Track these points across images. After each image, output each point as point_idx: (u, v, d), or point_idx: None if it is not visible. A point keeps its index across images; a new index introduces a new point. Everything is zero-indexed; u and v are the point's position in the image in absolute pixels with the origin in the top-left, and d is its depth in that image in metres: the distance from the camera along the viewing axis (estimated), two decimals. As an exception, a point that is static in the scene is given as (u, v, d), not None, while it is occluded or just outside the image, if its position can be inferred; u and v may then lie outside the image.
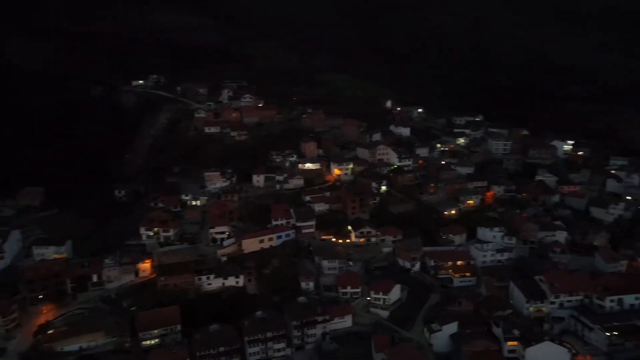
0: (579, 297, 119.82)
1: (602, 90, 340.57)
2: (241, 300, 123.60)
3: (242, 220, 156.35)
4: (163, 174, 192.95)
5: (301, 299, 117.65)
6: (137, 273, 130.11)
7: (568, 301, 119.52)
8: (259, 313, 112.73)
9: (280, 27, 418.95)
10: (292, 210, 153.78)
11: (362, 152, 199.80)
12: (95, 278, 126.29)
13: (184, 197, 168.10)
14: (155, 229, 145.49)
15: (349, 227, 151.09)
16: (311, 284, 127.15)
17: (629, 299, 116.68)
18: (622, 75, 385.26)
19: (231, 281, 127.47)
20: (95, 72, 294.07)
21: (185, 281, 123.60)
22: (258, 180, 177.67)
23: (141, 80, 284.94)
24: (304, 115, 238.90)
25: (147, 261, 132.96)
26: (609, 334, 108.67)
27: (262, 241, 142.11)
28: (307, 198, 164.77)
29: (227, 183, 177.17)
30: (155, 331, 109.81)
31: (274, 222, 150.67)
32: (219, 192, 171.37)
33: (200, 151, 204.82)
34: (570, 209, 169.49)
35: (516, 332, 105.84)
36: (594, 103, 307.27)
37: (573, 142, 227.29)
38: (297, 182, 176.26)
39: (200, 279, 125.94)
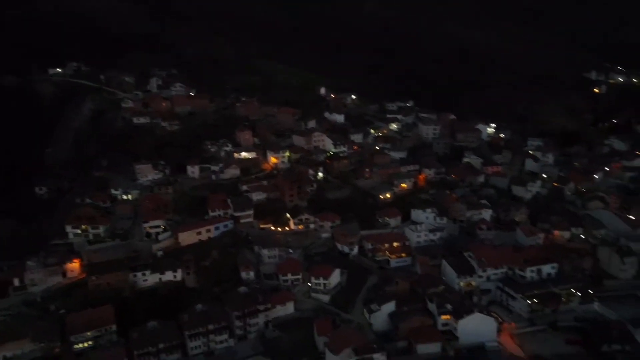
0: (504, 270, 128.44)
1: (519, 77, 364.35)
2: (180, 295, 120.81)
3: (177, 213, 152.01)
4: (90, 168, 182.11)
5: (242, 289, 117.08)
6: (64, 274, 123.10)
7: (494, 274, 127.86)
8: (199, 306, 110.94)
9: (211, 13, 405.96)
10: (229, 201, 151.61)
11: (297, 140, 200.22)
12: (17, 282, 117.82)
13: (113, 191, 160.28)
14: (83, 227, 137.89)
15: (288, 215, 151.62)
16: (252, 274, 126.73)
17: (546, 269, 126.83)
18: (536, 63, 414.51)
19: (168, 276, 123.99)
20: (5, 60, 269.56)
21: (119, 279, 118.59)
22: (193, 171, 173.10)
23: (59, 68, 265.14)
24: (238, 104, 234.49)
25: (75, 261, 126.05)
26: (529, 301, 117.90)
27: (199, 233, 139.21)
28: (244, 187, 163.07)
29: (160, 175, 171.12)
30: (88, 333, 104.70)
31: (211, 213, 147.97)
32: (152, 184, 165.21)
33: (130, 143, 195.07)
34: (494, 188, 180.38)
35: (449, 307, 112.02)
36: (512, 89, 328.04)
37: (495, 125, 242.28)
38: (233, 171, 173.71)
39: (135, 276, 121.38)
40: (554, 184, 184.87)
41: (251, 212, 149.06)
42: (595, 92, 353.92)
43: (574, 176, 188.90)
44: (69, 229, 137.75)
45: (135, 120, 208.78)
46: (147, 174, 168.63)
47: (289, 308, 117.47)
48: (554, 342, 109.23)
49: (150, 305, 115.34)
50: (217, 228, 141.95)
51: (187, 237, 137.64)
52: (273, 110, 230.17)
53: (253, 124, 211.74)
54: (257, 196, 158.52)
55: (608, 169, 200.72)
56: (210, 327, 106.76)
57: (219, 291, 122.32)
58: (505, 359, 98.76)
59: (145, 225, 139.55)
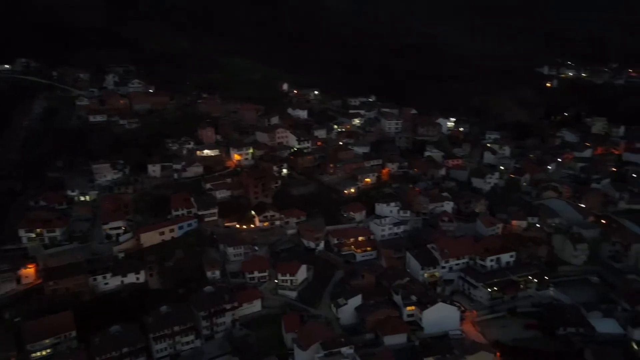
0: (465, 260, 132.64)
1: (475, 71, 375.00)
2: (144, 297, 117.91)
3: (139, 213, 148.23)
4: (43, 168, 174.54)
5: (208, 288, 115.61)
6: (19, 280, 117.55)
7: (456, 264, 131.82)
8: (163, 308, 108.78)
9: (169, 7, 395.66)
10: (192, 199, 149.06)
11: (261, 136, 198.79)
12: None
13: (70, 192, 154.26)
14: (38, 230, 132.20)
15: (253, 212, 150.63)
16: (217, 273, 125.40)
17: (505, 258, 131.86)
18: (491, 57, 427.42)
19: (131, 278, 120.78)
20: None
21: (78, 283, 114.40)
22: (154, 170, 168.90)
23: (6, 64, 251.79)
24: (199, 101, 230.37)
25: (30, 266, 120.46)
26: (490, 290, 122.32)
27: (162, 233, 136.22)
28: (208, 185, 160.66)
29: (119, 175, 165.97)
30: (47, 341, 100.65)
31: (174, 213, 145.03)
32: (111, 185, 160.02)
33: (86, 142, 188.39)
34: (455, 181, 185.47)
35: (413, 298, 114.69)
36: (469, 83, 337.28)
37: (455, 119, 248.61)
38: (196, 169, 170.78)
39: (95, 280, 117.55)
40: (511, 175, 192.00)
41: (215, 210, 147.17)
42: (547, 86, 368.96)
43: (529, 167, 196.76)
44: (22, 233, 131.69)
45: (91, 118, 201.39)
46: (106, 173, 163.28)
47: (256, 306, 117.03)
48: (513, 328, 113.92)
49: (113, 309, 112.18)
50: (180, 227, 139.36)
51: (150, 238, 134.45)
52: (235, 106, 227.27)
53: (215, 121, 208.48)
54: (221, 194, 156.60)
55: (560, 160, 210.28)
56: (176, 328, 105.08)
57: (184, 292, 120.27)
58: (467, 346, 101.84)
59: (105, 226, 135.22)
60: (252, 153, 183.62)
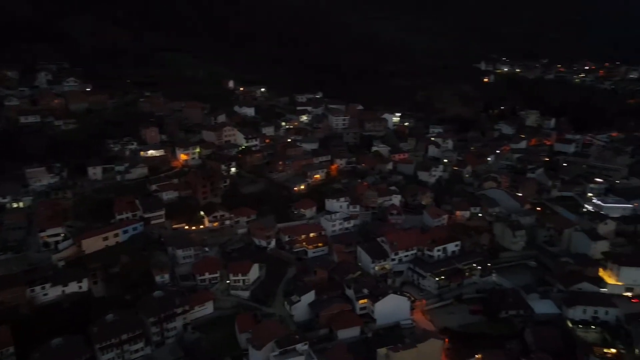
0: (414, 251, 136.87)
1: (418, 67, 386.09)
2: (88, 306, 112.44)
3: (79, 219, 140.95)
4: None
5: (157, 293, 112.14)
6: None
7: (405, 256, 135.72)
8: (109, 316, 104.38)
9: (106, 0, 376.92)
10: (137, 202, 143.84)
11: (208, 135, 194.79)
12: None
13: (0, 199, 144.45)
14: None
15: (202, 213, 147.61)
16: (166, 276, 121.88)
17: (450, 247, 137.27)
18: (433, 54, 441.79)
19: (73, 287, 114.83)
20: None
21: (14, 296, 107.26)
22: (95, 172, 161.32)
23: None
24: (141, 99, 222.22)
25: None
26: (437, 279, 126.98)
27: (106, 238, 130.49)
28: (154, 187, 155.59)
29: (56, 179, 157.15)
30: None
31: (118, 217, 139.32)
32: (47, 189, 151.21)
33: (17, 145, 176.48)
34: (402, 175, 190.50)
35: (365, 291, 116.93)
36: (413, 78, 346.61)
37: (400, 114, 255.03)
38: (140, 171, 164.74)
39: (33, 291, 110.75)
40: (454, 167, 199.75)
41: (162, 212, 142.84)
42: (484, 81, 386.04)
43: (470, 159, 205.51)
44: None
45: (22, 119, 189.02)
46: (41, 178, 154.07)
47: (208, 308, 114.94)
48: (459, 314, 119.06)
49: (54, 321, 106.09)
50: (125, 232, 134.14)
51: (92, 244, 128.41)
52: (180, 105, 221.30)
53: (159, 120, 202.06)
54: (168, 195, 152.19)
55: (499, 152, 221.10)
56: (124, 336, 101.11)
57: (131, 298, 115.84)
58: (418, 335, 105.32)
59: (42, 234, 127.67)
60: (199, 152, 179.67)
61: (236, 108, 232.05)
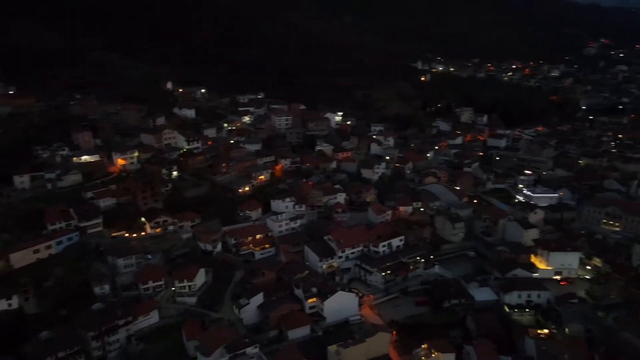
0: (360, 248, 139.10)
1: (358, 66, 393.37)
2: (19, 325, 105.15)
3: (5, 231, 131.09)
4: None
5: (96, 305, 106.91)
6: None
7: (352, 253, 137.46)
8: (44, 334, 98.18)
9: (34, 1, 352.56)
10: (71, 211, 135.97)
11: (146, 138, 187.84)
12: None
13: None
14: None
15: (143, 219, 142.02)
16: (106, 287, 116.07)
17: (395, 242, 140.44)
18: (372, 53, 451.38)
19: (2, 305, 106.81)
20: None
21: None
22: (22, 181, 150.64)
23: None
24: (72, 102, 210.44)
25: None
26: (383, 274, 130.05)
27: (37, 251, 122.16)
28: (89, 194, 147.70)
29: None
30: None
31: (51, 227, 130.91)
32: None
33: None
34: (346, 173, 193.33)
35: (314, 290, 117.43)
36: (354, 78, 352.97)
37: (342, 113, 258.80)
38: (73, 177, 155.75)
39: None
40: (396, 164, 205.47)
41: (100, 220, 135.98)
42: (421, 80, 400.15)
43: (411, 156, 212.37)
44: None
45: None
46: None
47: (153, 317, 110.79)
48: (406, 307, 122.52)
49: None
50: (59, 243, 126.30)
51: (22, 258, 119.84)
52: (115, 107, 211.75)
53: (93, 124, 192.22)
54: (105, 202, 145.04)
55: (437, 148, 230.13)
56: (61, 354, 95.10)
57: (67, 313, 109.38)
58: (367, 330, 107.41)
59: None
60: (137, 156, 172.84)
61: (175, 110, 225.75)
